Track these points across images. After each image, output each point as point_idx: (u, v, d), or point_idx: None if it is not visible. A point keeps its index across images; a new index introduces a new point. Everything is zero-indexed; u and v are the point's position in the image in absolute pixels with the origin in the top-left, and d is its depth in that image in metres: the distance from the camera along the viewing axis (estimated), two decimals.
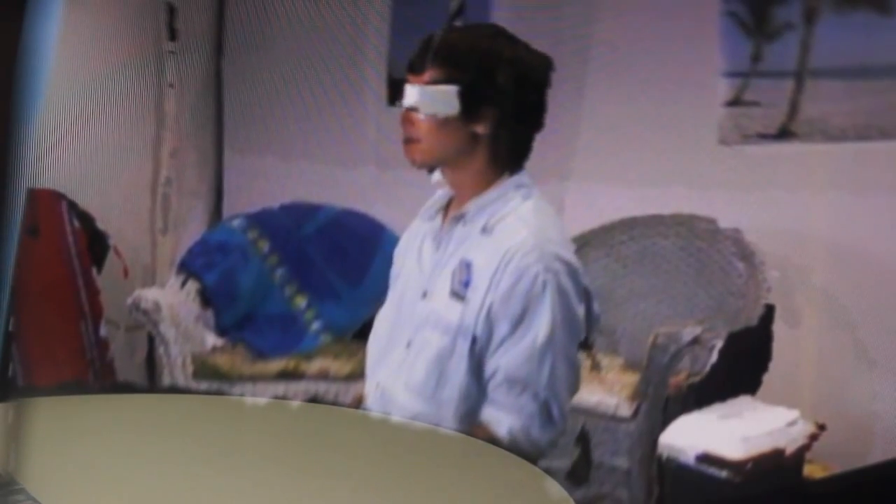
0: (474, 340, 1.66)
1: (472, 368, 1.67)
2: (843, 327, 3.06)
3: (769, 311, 2.91)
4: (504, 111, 1.71)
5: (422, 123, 1.72)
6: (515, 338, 1.63)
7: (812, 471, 2.75)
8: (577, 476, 2.57)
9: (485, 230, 1.70)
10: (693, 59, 3.26)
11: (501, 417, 1.64)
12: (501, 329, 1.64)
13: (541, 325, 1.62)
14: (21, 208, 2.68)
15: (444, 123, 1.70)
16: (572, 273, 1.66)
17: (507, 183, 1.74)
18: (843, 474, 2.52)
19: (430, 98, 1.70)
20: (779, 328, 2.95)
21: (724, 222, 3.06)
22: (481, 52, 1.71)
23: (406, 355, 1.75)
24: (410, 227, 1.92)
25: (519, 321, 1.63)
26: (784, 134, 3.15)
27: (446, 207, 1.81)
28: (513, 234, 1.67)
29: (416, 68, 1.73)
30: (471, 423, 1.67)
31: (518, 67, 1.72)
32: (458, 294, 1.68)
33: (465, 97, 1.69)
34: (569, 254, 1.69)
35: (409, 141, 1.74)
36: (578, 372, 1.73)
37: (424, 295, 1.76)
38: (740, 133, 3.22)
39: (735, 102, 3.22)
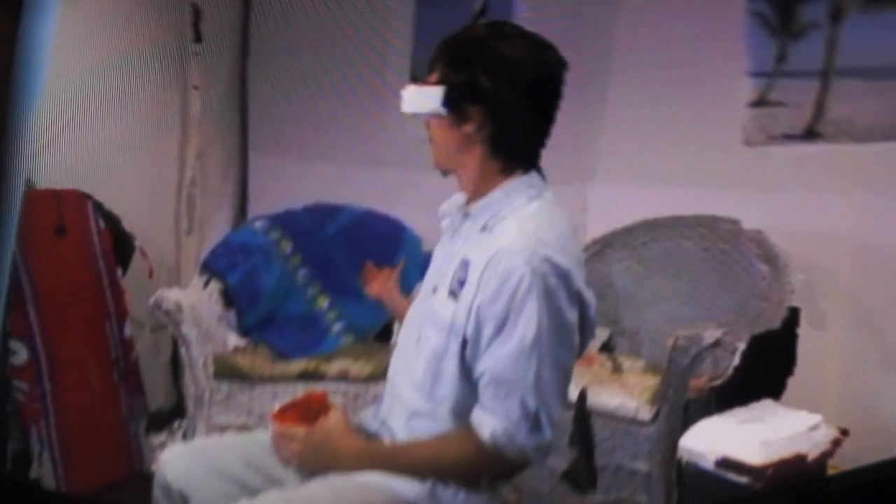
0: (464, 341, 1.64)
1: (463, 368, 1.66)
2: (869, 330, 3.03)
3: (794, 313, 2.88)
4: (493, 110, 1.66)
5: (432, 125, 1.73)
6: (500, 339, 1.61)
7: None
8: (576, 480, 2.55)
9: (484, 229, 1.69)
10: (717, 59, 3.24)
11: (486, 420, 1.62)
12: (487, 330, 1.62)
13: (527, 327, 1.59)
14: (18, 210, 2.69)
15: (440, 124, 1.70)
16: (562, 276, 1.61)
17: (515, 183, 1.70)
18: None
19: (415, 99, 1.71)
20: (804, 331, 2.93)
21: (749, 224, 3.04)
22: (469, 51, 1.68)
23: (414, 351, 1.75)
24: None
25: (504, 323, 1.60)
26: (810, 134, 3.12)
27: (464, 205, 1.80)
28: (505, 235, 1.64)
29: (428, 71, 1.74)
30: (464, 421, 1.66)
31: (504, 67, 1.66)
32: (454, 292, 1.68)
33: (448, 97, 1.67)
34: (561, 257, 1.62)
35: (431, 142, 1.76)
36: (569, 378, 1.69)
37: (434, 291, 1.75)
38: (765, 134, 3.20)
39: (760, 103, 3.20)
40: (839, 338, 3.05)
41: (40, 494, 2.54)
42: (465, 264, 1.68)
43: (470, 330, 1.63)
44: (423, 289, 1.84)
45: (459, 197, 1.80)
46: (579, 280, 1.65)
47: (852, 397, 2.98)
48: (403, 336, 1.85)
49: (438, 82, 1.68)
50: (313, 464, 1.71)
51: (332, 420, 1.73)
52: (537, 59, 1.69)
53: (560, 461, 2.56)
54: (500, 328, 1.60)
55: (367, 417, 1.85)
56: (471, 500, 1.67)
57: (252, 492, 1.74)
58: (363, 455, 1.70)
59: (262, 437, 1.85)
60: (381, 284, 2.14)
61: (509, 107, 1.67)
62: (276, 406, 1.79)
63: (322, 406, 1.76)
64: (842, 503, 1.95)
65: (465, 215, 1.74)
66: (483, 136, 1.68)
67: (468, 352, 1.64)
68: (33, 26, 2.50)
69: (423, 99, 1.69)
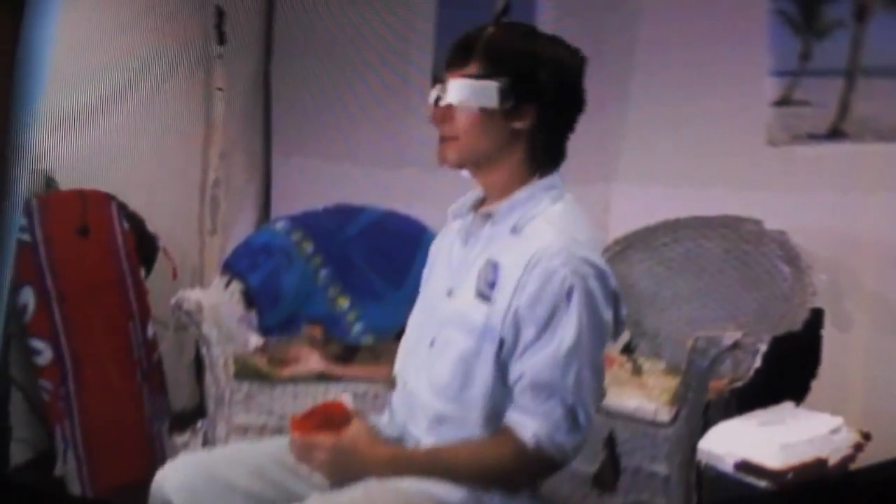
0: (501, 343, 1.64)
1: (498, 371, 1.65)
2: (894, 331, 3.00)
3: (818, 315, 2.85)
4: (543, 109, 1.69)
5: (461, 119, 1.69)
6: (542, 342, 1.61)
7: None
8: (602, 481, 2.55)
9: (514, 231, 1.68)
10: (740, 58, 3.22)
11: (526, 422, 1.61)
12: (527, 333, 1.61)
13: (568, 329, 1.59)
14: (20, 213, 2.72)
15: (485, 119, 1.68)
16: (600, 276, 1.63)
17: (539, 184, 1.72)
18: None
19: (475, 91, 1.67)
20: (828, 332, 2.90)
21: (773, 224, 3.01)
22: (523, 50, 1.69)
23: (429, 354, 1.73)
24: (445, 228, 1.91)
25: (545, 325, 1.60)
26: (835, 134, 3.10)
27: (477, 206, 1.79)
28: (540, 236, 1.64)
29: (455, 64, 1.70)
30: (496, 425, 1.65)
31: (558, 67, 1.69)
32: (484, 295, 1.66)
33: (507, 92, 1.66)
34: (597, 257, 1.66)
35: (444, 138, 1.72)
36: (603, 376, 1.70)
37: (450, 293, 1.74)
38: (789, 133, 3.17)
39: (784, 102, 3.17)
40: (864, 339, 3.02)
41: (40, 495, 2.56)
42: (493, 266, 1.67)
43: (507, 332, 1.63)
44: (430, 291, 1.84)
45: (469, 197, 1.80)
46: (614, 280, 1.67)
47: (877, 399, 2.95)
48: (411, 340, 1.84)
49: (480, 77, 1.67)
50: (342, 472, 1.68)
51: (358, 427, 1.72)
52: (579, 62, 1.73)
53: (580, 463, 2.55)
54: (541, 330, 1.60)
55: (383, 424, 1.82)
56: (509, 500, 1.67)
57: (260, 500, 1.74)
58: (394, 461, 1.69)
59: (268, 446, 1.86)
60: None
61: (557, 107, 1.70)
62: (295, 415, 1.76)
63: (343, 413, 1.74)
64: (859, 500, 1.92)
65: (487, 217, 1.73)
66: (528, 134, 1.69)
67: (504, 353, 1.64)
68: (35, 25, 2.52)
69: (477, 91, 1.67)
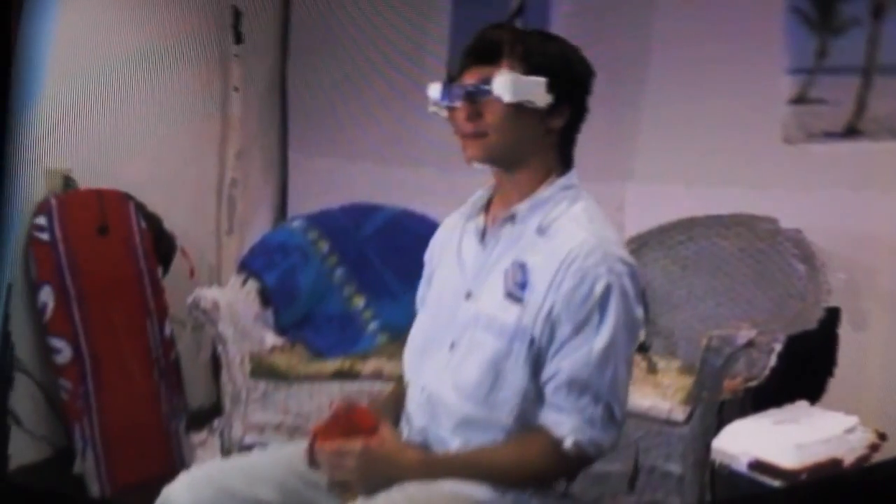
0: (532, 342, 1.64)
1: (529, 370, 1.64)
2: None
3: (834, 313, 2.85)
4: (574, 110, 1.71)
5: (495, 115, 1.67)
6: (577, 340, 1.61)
7: None
8: (632, 482, 2.55)
9: (540, 231, 1.68)
10: (756, 56, 3.20)
11: (562, 420, 1.62)
12: (563, 331, 1.62)
13: (605, 328, 1.60)
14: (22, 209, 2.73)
15: (521, 116, 1.67)
16: (633, 275, 1.65)
17: (558, 183, 1.72)
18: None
19: (524, 87, 1.65)
20: (845, 331, 2.89)
21: (789, 223, 3.01)
22: (555, 50, 1.70)
23: (451, 357, 1.72)
24: (444, 225, 1.90)
25: (582, 324, 1.61)
26: (851, 132, 3.08)
27: (487, 206, 1.79)
28: (572, 236, 1.64)
29: (483, 61, 1.67)
30: (524, 424, 1.66)
31: (583, 69, 1.72)
32: (514, 296, 1.66)
33: (552, 88, 1.66)
34: (628, 255, 1.67)
35: (471, 136, 1.69)
36: (632, 370, 1.71)
37: (468, 296, 1.73)
38: (805, 131, 3.16)
39: (800, 100, 3.16)
40: (881, 338, 3.00)
41: (42, 497, 2.58)
42: (520, 267, 1.67)
43: (539, 332, 1.63)
44: (441, 292, 1.82)
45: (479, 197, 1.80)
46: (640, 276, 1.68)
47: (894, 398, 2.94)
48: (421, 342, 1.82)
49: (528, 71, 1.65)
50: (374, 479, 1.65)
51: (387, 432, 1.70)
52: (590, 66, 1.75)
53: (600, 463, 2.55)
54: (577, 329, 1.61)
55: (402, 429, 1.80)
56: (543, 502, 1.68)
57: None
58: (427, 465, 1.68)
59: (280, 455, 1.83)
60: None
61: (582, 108, 1.72)
62: (317, 424, 1.72)
63: (369, 419, 1.71)
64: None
65: (508, 218, 1.72)
66: (560, 133, 1.71)
67: (535, 353, 1.64)
68: (33, 23, 2.54)
69: (527, 86, 1.65)
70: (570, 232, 1.65)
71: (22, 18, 2.63)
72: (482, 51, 1.69)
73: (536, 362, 1.65)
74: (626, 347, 1.64)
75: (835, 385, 2.85)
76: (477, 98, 1.67)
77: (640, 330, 1.68)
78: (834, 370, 2.87)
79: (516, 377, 1.65)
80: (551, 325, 1.63)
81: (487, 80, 1.66)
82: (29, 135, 2.90)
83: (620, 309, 1.61)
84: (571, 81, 1.69)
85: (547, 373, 1.64)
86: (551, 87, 1.66)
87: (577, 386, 1.61)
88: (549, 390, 1.64)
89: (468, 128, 1.69)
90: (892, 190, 2.95)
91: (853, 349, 2.90)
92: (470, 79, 1.68)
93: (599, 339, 1.60)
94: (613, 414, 1.63)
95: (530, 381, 1.65)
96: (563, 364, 1.62)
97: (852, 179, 3.03)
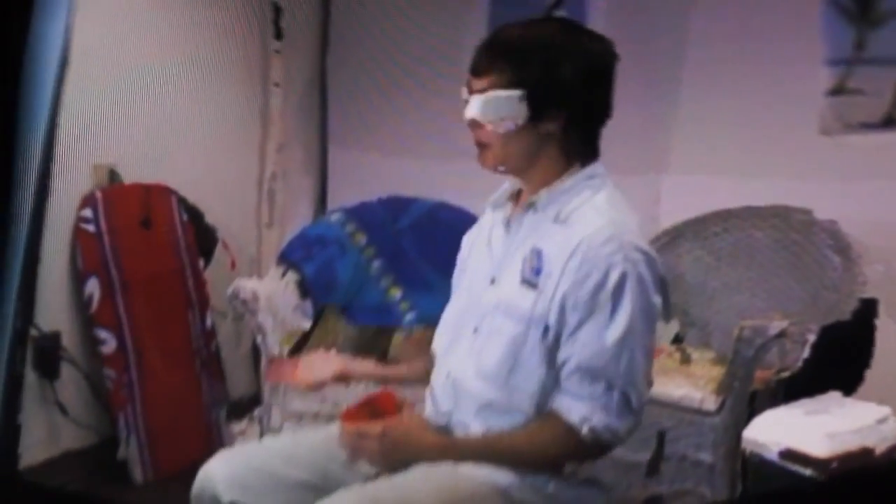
0: (546, 329, 1.65)
1: (545, 356, 1.66)
2: None
3: (871, 305, 2.83)
4: (573, 107, 1.69)
5: (487, 131, 1.69)
6: (590, 328, 1.62)
7: None
8: (651, 468, 2.56)
9: (557, 219, 1.69)
10: (794, 47, 3.19)
11: (573, 405, 1.63)
12: (575, 317, 1.63)
13: (621, 316, 1.61)
14: (34, 208, 2.79)
15: (512, 130, 1.68)
16: (650, 263, 1.65)
17: (580, 174, 1.72)
18: None
19: (497, 107, 1.66)
20: (883, 323, 2.87)
21: (827, 214, 2.99)
22: (544, 48, 1.67)
23: (473, 341, 1.75)
24: (483, 217, 1.92)
25: (595, 311, 1.62)
26: (889, 123, 3.06)
27: (517, 195, 1.81)
28: (588, 224, 1.65)
29: (478, 71, 1.70)
30: (543, 409, 1.67)
31: (584, 60, 1.68)
32: (530, 282, 1.68)
33: (531, 100, 1.66)
34: (645, 243, 1.67)
35: (479, 145, 1.73)
36: (652, 359, 1.71)
37: (493, 281, 1.76)
38: (843, 122, 3.14)
39: (838, 91, 3.14)
40: None
41: (50, 494, 2.64)
42: (537, 254, 1.68)
43: (553, 318, 1.65)
44: (470, 279, 1.85)
45: (507, 188, 1.82)
46: (661, 265, 1.69)
47: None
48: (452, 327, 1.85)
49: (501, 85, 1.66)
50: (393, 459, 1.70)
51: (408, 415, 1.75)
52: (608, 49, 1.72)
53: (626, 451, 2.56)
54: (590, 315, 1.62)
55: (427, 413, 1.83)
56: (561, 486, 1.70)
57: (311, 491, 1.74)
58: (445, 448, 1.71)
59: (315, 437, 1.88)
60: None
61: (591, 101, 1.70)
62: (347, 407, 1.77)
63: (392, 403, 1.76)
64: None
65: (529, 206, 1.74)
66: (559, 134, 1.70)
67: (550, 339, 1.65)
68: (45, 25, 2.58)
69: (503, 105, 1.66)
70: (589, 220, 1.66)
71: (67, 18, 2.69)
72: (478, 61, 1.71)
73: (552, 349, 1.66)
74: (643, 335, 1.64)
75: (872, 376, 2.83)
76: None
77: (658, 317, 1.68)
78: (871, 361, 2.85)
79: (533, 363, 1.67)
80: (565, 311, 1.64)
81: (466, 101, 1.71)
82: (75, 130, 2.98)
83: (637, 296, 1.62)
84: (558, 86, 1.66)
85: (560, 359, 1.66)
86: (536, 96, 1.65)
87: (591, 373, 1.62)
88: (562, 376, 1.66)
89: (476, 136, 1.73)
90: None
91: (891, 340, 2.88)
92: (471, 87, 1.72)
93: (615, 327, 1.61)
94: (630, 401, 1.64)
95: (547, 367, 1.67)
96: (576, 350, 1.64)
97: (891, 170, 3.00)
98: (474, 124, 1.72)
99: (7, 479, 2.74)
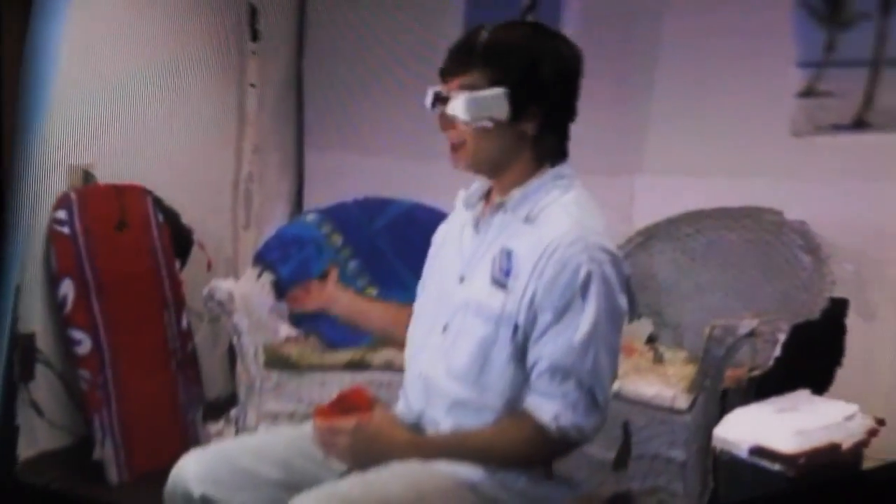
0: (516, 329, 1.67)
1: (515, 356, 1.68)
2: None
3: (841, 305, 2.86)
4: (549, 107, 1.71)
5: (464, 130, 1.70)
6: (559, 327, 1.64)
7: None
8: (618, 461, 2.58)
9: (528, 220, 1.71)
10: (765, 49, 3.22)
11: (545, 404, 1.65)
12: (545, 318, 1.65)
13: (586, 315, 1.63)
14: (28, 210, 2.79)
15: (489, 129, 1.69)
16: (615, 263, 1.67)
17: (549, 174, 1.74)
18: None
19: (482, 105, 1.68)
20: (854, 322, 2.91)
21: (798, 215, 3.02)
22: (524, 49, 1.70)
23: (443, 340, 1.77)
24: (452, 214, 1.94)
25: (563, 311, 1.64)
26: (859, 124, 3.10)
27: (486, 195, 1.82)
28: (556, 225, 1.67)
29: (454, 71, 1.71)
30: (515, 408, 1.69)
31: (560, 61, 1.72)
32: (500, 282, 1.69)
33: (513, 98, 1.68)
34: (610, 244, 1.69)
35: (453, 145, 1.74)
36: (618, 358, 1.73)
37: (461, 280, 1.78)
38: (813, 124, 3.18)
39: (808, 93, 3.18)
40: (889, 329, 3.01)
41: (48, 495, 2.64)
42: (507, 254, 1.70)
43: (523, 318, 1.66)
44: (439, 277, 1.87)
45: (479, 187, 1.84)
46: (626, 265, 1.71)
47: None
48: (422, 326, 1.87)
49: (481, 85, 1.67)
50: (364, 456, 1.71)
51: (380, 412, 1.76)
52: (576, 52, 1.75)
53: (598, 449, 2.59)
54: (558, 316, 1.64)
55: (399, 411, 1.85)
56: (531, 482, 1.72)
57: (283, 489, 1.75)
58: (417, 445, 1.73)
59: (289, 434, 1.89)
60: (319, 294, 2.13)
61: (561, 101, 1.73)
62: (320, 404, 1.78)
63: (365, 400, 1.77)
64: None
65: (499, 206, 1.76)
66: (536, 133, 1.72)
67: (520, 339, 1.67)
68: (44, 26, 2.58)
69: (485, 103, 1.68)
70: (556, 221, 1.68)
71: (38, 20, 2.68)
72: (451, 62, 1.72)
73: (522, 348, 1.68)
74: (608, 334, 1.66)
75: (843, 375, 2.86)
76: (445, 111, 1.72)
77: (623, 317, 1.70)
78: (842, 360, 2.89)
79: (503, 362, 1.69)
80: (534, 312, 1.66)
81: (446, 99, 1.71)
82: (49, 132, 2.97)
83: (602, 296, 1.64)
84: (538, 86, 1.69)
85: (531, 358, 1.68)
86: (513, 97, 1.68)
87: (560, 372, 1.64)
88: (533, 375, 1.68)
89: (450, 136, 1.74)
90: None
91: (861, 340, 2.92)
92: (444, 88, 1.73)
93: (581, 326, 1.63)
94: (596, 399, 1.66)
95: (517, 366, 1.69)
96: (546, 350, 1.65)
97: (860, 171, 3.04)
98: (448, 124, 1.72)
99: (5, 479, 2.74)
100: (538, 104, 1.70)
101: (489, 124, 1.69)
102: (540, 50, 1.71)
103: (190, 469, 1.78)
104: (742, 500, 2.34)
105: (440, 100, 1.74)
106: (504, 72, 1.68)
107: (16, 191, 2.65)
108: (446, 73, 1.73)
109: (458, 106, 1.69)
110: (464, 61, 1.70)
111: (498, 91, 1.67)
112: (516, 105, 1.68)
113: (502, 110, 1.68)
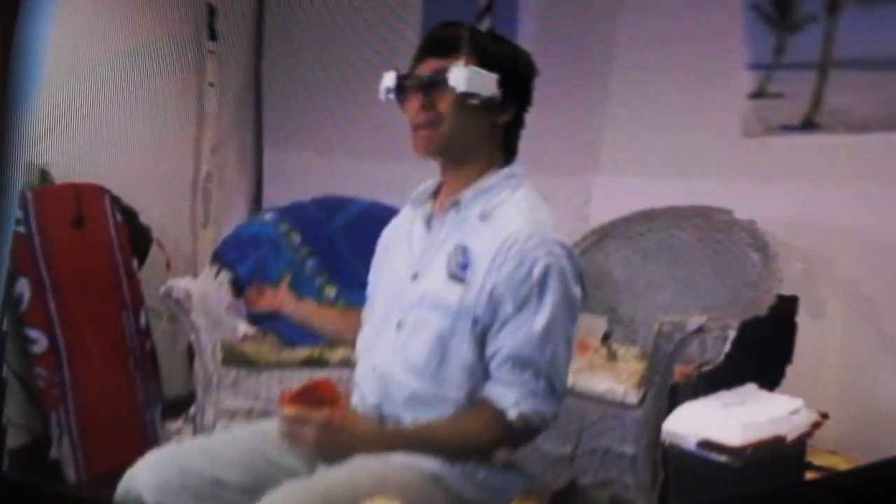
0: (475, 321, 1.72)
1: (475, 347, 1.73)
2: (868, 319, 3.06)
3: (791, 302, 2.92)
4: (519, 105, 1.81)
5: (449, 105, 1.74)
6: (519, 320, 1.70)
7: (835, 462, 2.76)
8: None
9: (482, 217, 1.76)
10: (717, 51, 3.28)
11: (506, 393, 1.70)
12: (505, 310, 1.70)
13: (545, 307, 1.69)
14: (15, 209, 2.78)
15: (474, 109, 1.75)
16: (570, 256, 1.74)
17: (501, 173, 1.80)
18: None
19: (478, 79, 1.73)
20: (803, 319, 2.96)
21: (749, 214, 3.08)
22: (508, 45, 1.81)
23: (398, 336, 1.80)
24: (400, 214, 1.98)
25: (524, 304, 1.69)
26: (808, 125, 3.16)
27: (435, 193, 1.87)
28: (511, 221, 1.73)
29: (438, 53, 1.75)
30: (474, 399, 1.73)
31: (530, 68, 1.82)
32: (457, 276, 1.74)
33: (505, 84, 1.76)
34: (564, 239, 1.75)
35: (423, 126, 1.76)
36: (573, 347, 1.79)
37: (415, 277, 1.81)
38: (764, 125, 3.24)
39: (759, 94, 3.24)
40: (838, 326, 3.08)
41: (39, 494, 2.63)
42: (462, 250, 1.75)
43: (482, 310, 1.71)
44: (389, 275, 1.91)
45: (428, 185, 1.87)
46: (578, 259, 1.78)
47: (851, 385, 3.02)
48: (374, 323, 1.90)
49: (482, 66, 1.73)
50: (329, 449, 1.72)
51: (345, 405, 1.78)
52: (535, 67, 1.85)
53: (552, 444, 2.63)
54: (519, 308, 1.69)
55: (355, 405, 1.85)
56: (490, 473, 1.76)
57: (242, 492, 1.75)
58: (382, 437, 1.75)
59: (242, 435, 1.90)
60: (273, 297, 2.21)
61: (527, 103, 1.82)
62: (285, 391, 1.76)
63: (332, 392, 1.77)
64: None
65: (452, 204, 1.79)
66: (505, 128, 1.80)
67: (479, 331, 1.72)
68: (31, 22, 2.58)
69: (482, 80, 1.74)
70: (510, 217, 1.74)
71: (25, 20, 2.68)
72: (437, 45, 1.77)
73: (481, 340, 1.73)
74: (565, 325, 1.73)
75: (793, 371, 2.92)
76: (431, 88, 1.74)
77: (578, 307, 1.76)
78: (792, 357, 2.94)
79: (462, 354, 1.73)
80: (494, 304, 1.71)
81: (442, 72, 1.73)
82: (25, 131, 2.95)
83: (559, 289, 1.70)
84: (519, 80, 1.79)
85: (491, 349, 1.73)
86: (501, 84, 1.75)
87: (520, 362, 1.70)
88: (493, 366, 1.72)
89: (421, 117, 1.76)
90: (847, 182, 3.03)
91: (811, 336, 2.97)
92: (425, 70, 1.76)
93: (540, 318, 1.70)
94: (554, 387, 1.73)
95: (476, 357, 1.73)
96: (507, 341, 1.71)
97: (810, 172, 3.11)
98: (424, 102, 1.74)
99: None
100: (513, 99, 1.78)
101: (477, 102, 1.74)
102: (518, 49, 1.82)
103: (141, 478, 1.75)
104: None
105: (414, 81, 1.76)
106: (493, 60, 1.75)
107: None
108: (422, 59, 1.77)
109: (459, 76, 1.72)
110: (450, 46, 1.75)
111: (493, 74, 1.74)
112: (502, 94, 1.76)
113: (493, 91, 1.75)
